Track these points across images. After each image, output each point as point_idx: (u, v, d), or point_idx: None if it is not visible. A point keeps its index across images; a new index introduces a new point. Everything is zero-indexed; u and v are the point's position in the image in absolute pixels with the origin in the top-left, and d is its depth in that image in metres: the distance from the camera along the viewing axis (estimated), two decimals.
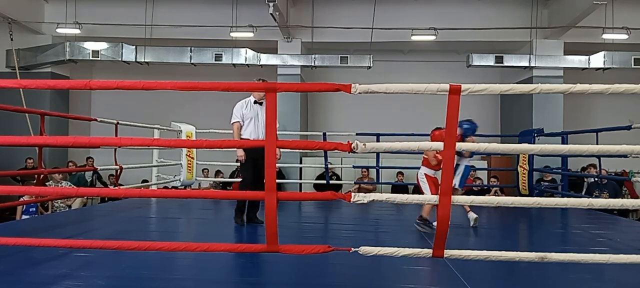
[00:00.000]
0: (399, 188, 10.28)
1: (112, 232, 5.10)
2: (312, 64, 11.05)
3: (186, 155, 8.55)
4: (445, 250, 2.65)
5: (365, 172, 10.35)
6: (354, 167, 10.04)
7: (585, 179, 9.68)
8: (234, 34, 10.70)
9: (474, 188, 9.42)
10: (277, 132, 2.74)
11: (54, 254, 3.62)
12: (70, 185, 8.60)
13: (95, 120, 6.58)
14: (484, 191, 9.53)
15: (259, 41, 11.04)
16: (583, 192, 9.16)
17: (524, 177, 8.84)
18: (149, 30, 10.80)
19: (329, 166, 9.67)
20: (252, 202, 5.31)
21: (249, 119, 5.28)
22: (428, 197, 2.90)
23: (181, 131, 8.43)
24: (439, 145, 2.64)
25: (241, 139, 5.25)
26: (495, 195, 8.54)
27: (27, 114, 10.05)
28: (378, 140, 8.55)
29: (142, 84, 2.75)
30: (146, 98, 11.56)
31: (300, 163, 10.90)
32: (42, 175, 5.64)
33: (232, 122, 5.33)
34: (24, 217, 7.80)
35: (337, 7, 11.12)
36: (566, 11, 10.26)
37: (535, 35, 10.98)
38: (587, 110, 12.24)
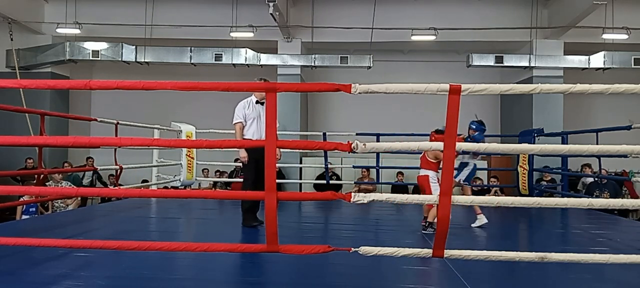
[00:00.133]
0: (399, 188, 10.27)
1: (112, 232, 5.10)
2: (312, 64, 11.05)
3: (186, 155, 8.55)
4: (445, 250, 2.65)
5: (365, 172, 10.34)
6: (354, 167, 10.04)
7: (582, 179, 9.67)
8: (234, 34, 10.70)
9: (473, 188, 9.41)
10: (277, 132, 2.74)
11: (54, 254, 3.62)
12: (70, 185, 8.60)
13: (95, 120, 6.58)
14: (484, 191, 9.52)
15: (259, 41, 11.05)
16: (583, 192, 9.15)
17: (524, 177, 8.84)
18: (149, 30, 10.80)
19: (329, 166, 9.67)
20: (254, 202, 5.27)
21: (251, 119, 5.22)
22: (428, 197, 2.90)
23: (181, 131, 8.43)
24: (439, 145, 2.64)
25: (244, 139, 5.19)
26: (495, 195, 8.54)
27: (27, 114, 10.05)
28: (378, 140, 8.55)
29: (142, 84, 2.75)
30: (146, 98, 11.57)
31: (300, 163, 10.90)
32: (42, 175, 5.64)
33: (234, 123, 5.24)
34: (24, 217, 7.80)
35: (337, 7, 11.12)
36: (566, 11, 10.26)
37: (535, 35, 10.99)
38: (587, 110, 12.24)
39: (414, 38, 10.85)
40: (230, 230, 5.23)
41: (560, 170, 8.84)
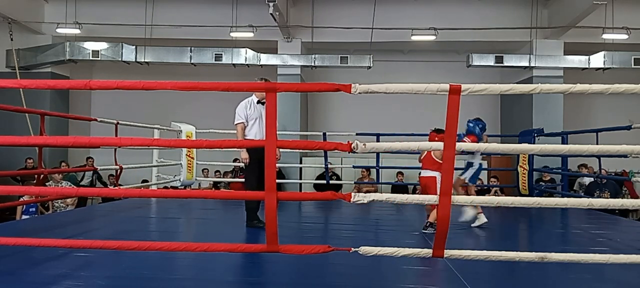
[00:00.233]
0: (399, 188, 10.27)
1: (112, 232, 5.10)
2: (312, 64, 11.05)
3: (186, 155, 8.55)
4: (445, 250, 2.65)
5: (365, 172, 10.34)
6: (354, 167, 10.04)
7: (578, 180, 9.65)
8: (234, 34, 10.70)
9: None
10: (277, 132, 2.74)
11: (54, 254, 3.61)
12: (70, 185, 8.60)
13: (95, 120, 6.58)
14: (484, 191, 9.53)
15: (259, 41, 11.05)
16: (581, 192, 9.16)
17: (524, 177, 8.84)
18: (149, 30, 10.80)
19: (329, 166, 9.67)
20: (258, 202, 5.22)
21: (253, 119, 5.17)
22: (428, 197, 2.90)
23: (181, 131, 8.43)
24: (439, 145, 2.64)
25: (246, 140, 5.14)
26: (495, 195, 8.54)
27: (27, 114, 10.05)
28: (378, 140, 8.55)
29: (142, 84, 2.75)
30: (146, 98, 11.57)
31: (300, 163, 10.90)
32: (42, 175, 5.64)
33: (236, 123, 5.19)
34: (24, 217, 7.80)
35: (337, 7, 11.12)
36: (566, 11, 10.26)
37: (535, 35, 10.99)
38: (587, 110, 12.24)
39: (414, 38, 10.85)
40: (230, 230, 5.23)
41: (560, 170, 8.84)
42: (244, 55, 10.91)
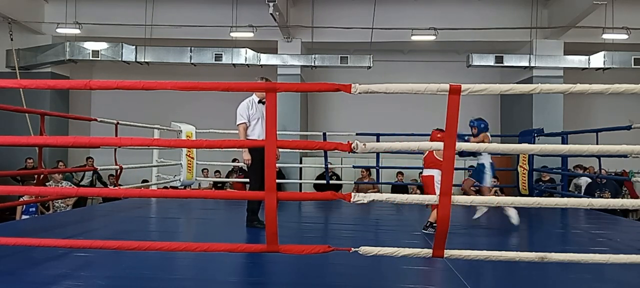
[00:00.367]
0: (399, 188, 10.27)
1: (112, 232, 5.10)
2: (312, 64, 11.05)
3: (186, 155, 8.55)
4: (445, 250, 2.65)
5: (365, 172, 10.34)
6: (354, 167, 10.04)
7: (573, 181, 9.63)
8: (234, 34, 10.70)
9: (472, 188, 9.41)
10: (277, 132, 2.74)
11: (54, 254, 3.61)
12: (70, 185, 8.60)
13: (95, 120, 6.58)
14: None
15: (259, 41, 11.05)
16: (577, 193, 9.16)
17: (524, 177, 8.84)
18: (149, 30, 10.80)
19: (329, 166, 9.67)
20: (260, 202, 5.19)
21: (255, 119, 5.11)
22: (428, 197, 2.90)
23: (181, 131, 8.43)
24: (439, 145, 2.64)
25: (248, 140, 5.08)
26: (495, 195, 8.54)
27: (27, 114, 10.05)
28: (378, 140, 8.55)
29: (142, 84, 2.75)
30: (146, 98, 11.56)
31: (300, 163, 10.91)
32: (42, 175, 5.64)
33: (238, 124, 5.12)
34: (24, 217, 7.80)
35: (337, 7, 11.12)
36: (566, 11, 10.26)
37: (535, 35, 10.99)
38: (587, 110, 12.24)
39: (414, 38, 10.85)
40: (230, 230, 5.23)
41: (560, 170, 8.84)
42: (244, 55, 10.91)
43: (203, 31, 10.85)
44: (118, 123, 6.89)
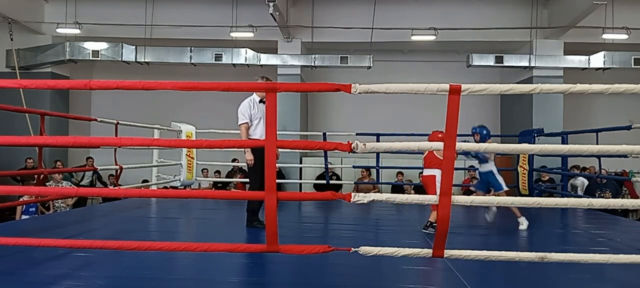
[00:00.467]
0: (399, 188, 10.27)
1: (112, 232, 5.10)
2: (312, 64, 11.05)
3: (186, 155, 8.55)
4: (445, 250, 2.65)
5: (365, 172, 10.34)
6: (354, 167, 10.04)
7: (570, 181, 9.62)
8: (234, 34, 10.70)
9: (471, 188, 9.42)
10: (277, 132, 2.74)
11: (54, 254, 3.62)
12: (70, 185, 8.60)
13: (95, 120, 6.58)
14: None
15: (259, 41, 11.04)
16: (574, 193, 9.16)
17: (524, 177, 8.84)
18: (149, 30, 10.80)
19: (329, 166, 9.67)
20: (260, 203, 5.16)
21: (257, 119, 5.06)
22: (428, 198, 2.90)
23: (181, 131, 8.43)
24: (439, 145, 2.64)
25: (250, 140, 5.04)
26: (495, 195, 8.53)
27: (27, 114, 10.05)
28: (378, 140, 8.55)
29: (142, 84, 2.75)
30: (146, 98, 11.56)
31: (300, 163, 10.90)
32: (42, 175, 5.64)
33: (240, 124, 5.08)
34: (23, 217, 7.80)
35: (337, 7, 11.12)
36: (566, 11, 10.26)
37: (535, 35, 10.99)
38: (587, 110, 12.24)
39: (414, 38, 10.85)
40: (230, 230, 5.23)
41: (560, 170, 8.84)
42: (244, 55, 10.91)
43: (203, 31, 10.85)
44: (118, 123, 6.89)
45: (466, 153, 5.57)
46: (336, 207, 7.11)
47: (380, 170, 9.30)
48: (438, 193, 4.62)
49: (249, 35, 10.72)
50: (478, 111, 11.68)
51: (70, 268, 3.35)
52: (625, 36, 10.41)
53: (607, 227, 5.86)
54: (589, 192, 8.84)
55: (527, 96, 10.87)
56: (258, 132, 5.06)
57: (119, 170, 7.02)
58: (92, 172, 10.27)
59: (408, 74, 12.15)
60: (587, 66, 10.80)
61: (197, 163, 8.93)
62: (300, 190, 10.65)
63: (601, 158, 7.48)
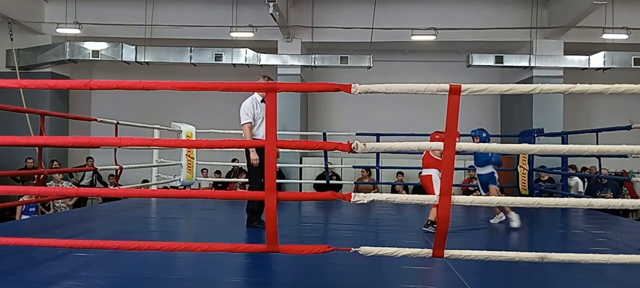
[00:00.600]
0: (404, 188, 10.26)
1: (112, 232, 5.10)
2: (312, 64, 11.05)
3: (186, 155, 8.55)
4: (445, 250, 2.65)
5: (365, 172, 10.34)
6: (354, 167, 10.04)
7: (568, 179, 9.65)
8: (234, 34, 10.70)
9: (470, 188, 9.44)
10: (277, 132, 2.74)
11: (54, 254, 3.62)
12: (70, 185, 8.60)
13: (95, 120, 6.58)
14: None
15: (259, 41, 11.05)
16: (571, 191, 9.17)
17: (524, 177, 8.84)
18: (149, 30, 10.80)
19: (329, 166, 9.67)
20: (261, 203, 5.14)
21: (260, 118, 5.03)
22: (428, 197, 2.90)
23: (181, 131, 8.43)
24: (439, 145, 2.64)
25: (247, 140, 5.03)
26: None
27: (27, 114, 10.05)
28: (378, 140, 8.55)
29: (142, 84, 2.75)
30: (146, 98, 11.57)
31: (300, 163, 10.90)
32: (42, 175, 5.64)
33: (243, 123, 5.05)
34: (23, 217, 7.80)
35: (337, 7, 11.12)
36: (566, 11, 10.26)
37: (535, 35, 10.99)
38: (587, 110, 12.24)
39: (414, 38, 10.85)
40: (230, 230, 5.23)
41: (560, 170, 8.84)
42: (244, 55, 10.91)
43: (203, 31, 10.85)
44: (118, 123, 6.89)
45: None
46: (336, 207, 7.12)
47: (380, 170, 9.29)
48: (436, 192, 4.64)
49: (249, 35, 10.72)
50: (478, 111, 11.69)
51: (70, 268, 3.35)
52: (625, 36, 10.41)
53: (607, 227, 5.86)
54: (590, 192, 8.84)
55: (527, 96, 10.87)
56: (260, 132, 5.04)
57: (119, 170, 7.02)
58: (92, 172, 10.27)
59: (408, 74, 12.15)
60: (587, 66, 10.80)
61: (197, 163, 8.93)
62: (300, 190, 10.65)
63: (601, 158, 7.48)
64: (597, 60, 10.66)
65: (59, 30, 10.94)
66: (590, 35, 10.46)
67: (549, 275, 3.41)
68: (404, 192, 10.03)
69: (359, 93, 2.60)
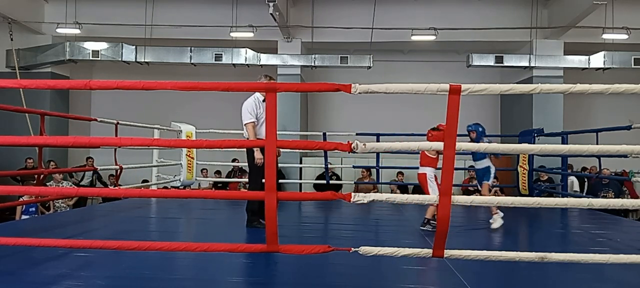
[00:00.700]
0: (399, 188, 10.27)
1: (112, 232, 5.10)
2: (312, 64, 11.05)
3: (186, 155, 8.55)
4: (445, 250, 2.65)
5: (365, 172, 10.34)
6: (354, 167, 10.04)
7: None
8: (234, 34, 10.70)
9: (469, 188, 9.44)
10: (277, 132, 2.74)
11: (54, 254, 3.62)
12: (70, 185, 8.60)
13: (95, 120, 6.58)
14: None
15: (259, 41, 11.05)
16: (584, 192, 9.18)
17: (524, 177, 8.84)
18: (149, 30, 10.80)
19: (329, 166, 9.67)
20: (261, 203, 5.12)
21: (263, 118, 5.01)
22: (429, 197, 2.90)
23: (181, 131, 8.43)
24: (439, 145, 2.64)
25: (249, 140, 5.04)
26: (495, 195, 8.54)
27: (27, 114, 10.05)
28: (378, 140, 8.55)
29: (142, 84, 2.75)
30: (146, 98, 11.57)
31: (300, 163, 10.90)
32: (42, 175, 5.64)
33: (246, 123, 5.04)
34: (24, 217, 7.80)
35: (337, 7, 11.12)
36: (566, 11, 10.26)
37: (535, 35, 10.99)
38: (587, 110, 12.24)
39: (414, 38, 10.85)
40: (230, 230, 5.23)
41: (560, 170, 8.84)
42: (244, 55, 10.91)
43: (203, 31, 10.85)
44: (118, 123, 6.89)
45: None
46: (336, 207, 7.12)
47: (380, 170, 9.29)
48: (430, 190, 4.63)
49: (249, 35, 10.72)
50: (478, 111, 11.67)
51: (70, 268, 3.35)
52: (625, 36, 10.41)
53: (607, 227, 5.86)
54: (592, 192, 8.84)
55: (527, 96, 10.87)
56: (262, 132, 5.02)
57: (119, 170, 7.02)
58: (92, 172, 10.27)
59: (408, 74, 12.14)
60: (587, 66, 10.80)
61: (197, 163, 8.93)
62: (300, 190, 10.65)
63: (601, 158, 7.48)
64: (597, 60, 10.66)
65: (59, 30, 10.94)
66: (590, 35, 10.46)
67: (549, 275, 3.41)
68: (398, 191, 10.03)
69: (359, 93, 2.60)
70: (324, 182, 9.41)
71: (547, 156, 9.57)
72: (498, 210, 5.43)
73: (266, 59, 11.06)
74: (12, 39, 10.58)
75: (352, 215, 6.44)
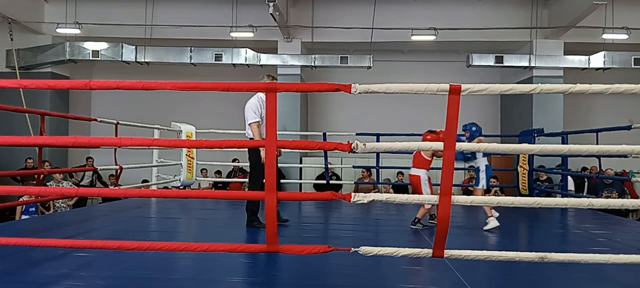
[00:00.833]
0: (399, 188, 10.27)
1: (112, 232, 5.10)
2: (312, 64, 11.05)
3: (186, 155, 8.55)
4: (445, 250, 2.65)
5: (365, 172, 10.34)
6: (354, 167, 10.04)
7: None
8: (234, 34, 10.70)
9: (469, 188, 9.42)
10: (277, 132, 2.74)
11: (54, 254, 3.62)
12: (70, 185, 8.60)
13: (95, 120, 6.58)
14: (484, 191, 9.51)
15: (259, 41, 11.05)
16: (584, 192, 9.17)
17: (524, 177, 8.84)
18: (149, 30, 10.80)
19: (329, 166, 9.67)
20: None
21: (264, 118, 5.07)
22: (429, 197, 2.90)
23: (181, 131, 8.43)
24: (439, 145, 2.64)
25: (252, 140, 5.03)
26: (495, 195, 8.54)
27: (27, 114, 10.05)
28: (378, 140, 8.54)
29: (142, 84, 2.75)
30: (146, 98, 11.57)
31: (300, 163, 10.90)
32: (42, 175, 5.63)
33: (250, 122, 5.03)
34: (24, 217, 7.80)
35: (337, 7, 11.12)
36: (566, 11, 10.26)
37: (535, 35, 10.99)
38: (587, 110, 12.24)
39: (414, 38, 10.85)
40: (230, 230, 5.23)
41: (560, 170, 8.84)
42: (244, 55, 10.91)
43: (203, 31, 10.85)
44: (118, 123, 6.89)
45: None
46: (336, 207, 7.11)
47: (380, 170, 9.29)
48: (424, 192, 4.63)
49: (249, 35, 10.72)
50: (478, 111, 11.67)
51: (70, 268, 3.35)
52: (625, 36, 10.41)
53: (607, 227, 5.86)
54: (594, 192, 8.83)
55: (527, 96, 10.87)
56: (263, 132, 5.01)
57: (119, 170, 7.02)
58: (92, 172, 10.27)
59: (408, 74, 12.15)
60: (587, 66, 10.80)
61: (197, 163, 8.93)
62: (300, 190, 10.64)
63: (601, 158, 7.48)
64: (597, 60, 10.66)
65: (59, 30, 10.94)
66: (590, 35, 10.46)
67: (549, 275, 3.41)
68: (391, 191, 10.02)
69: (359, 93, 2.60)
70: (324, 182, 9.41)
71: (547, 156, 9.57)
72: (493, 212, 5.40)
73: (266, 59, 11.07)
74: (12, 39, 10.58)
75: (352, 215, 6.44)
